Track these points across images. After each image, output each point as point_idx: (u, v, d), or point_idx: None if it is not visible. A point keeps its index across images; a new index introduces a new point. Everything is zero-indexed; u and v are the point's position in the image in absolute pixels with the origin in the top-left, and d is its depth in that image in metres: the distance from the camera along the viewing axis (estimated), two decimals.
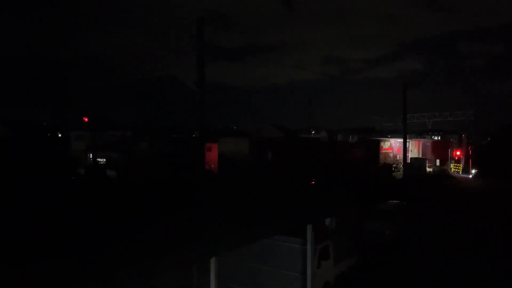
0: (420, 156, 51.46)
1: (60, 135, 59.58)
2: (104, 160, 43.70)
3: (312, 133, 74.93)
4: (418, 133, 70.41)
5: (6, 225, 7.87)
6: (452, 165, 51.77)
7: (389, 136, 61.65)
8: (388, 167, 45.47)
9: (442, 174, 47.35)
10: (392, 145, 51.26)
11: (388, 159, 49.55)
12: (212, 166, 37.81)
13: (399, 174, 45.12)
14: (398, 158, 48.78)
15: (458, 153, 53.86)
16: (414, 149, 53.63)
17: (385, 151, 49.83)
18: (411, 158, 48.16)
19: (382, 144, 49.13)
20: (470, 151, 51.28)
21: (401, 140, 37.60)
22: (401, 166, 39.55)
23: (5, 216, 8.78)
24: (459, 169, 50.94)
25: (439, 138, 63.15)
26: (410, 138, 53.19)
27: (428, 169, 49.10)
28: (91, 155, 45.92)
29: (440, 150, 51.19)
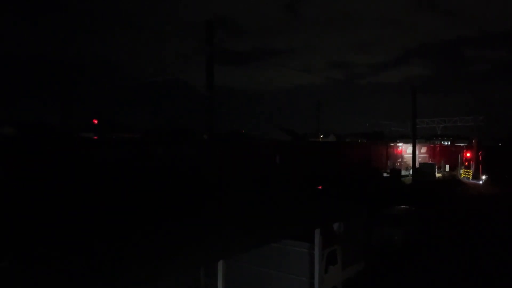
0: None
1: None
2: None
3: (320, 137, 74.75)
4: (428, 138, 69.93)
5: (9, 225, 7.90)
6: (462, 171, 51.19)
7: (398, 141, 61.34)
8: (397, 172, 45.17)
9: (451, 179, 46.89)
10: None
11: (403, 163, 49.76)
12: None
13: (408, 180, 44.81)
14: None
15: (468, 158, 53.24)
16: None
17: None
18: (420, 163, 47.77)
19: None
20: (481, 157, 50.55)
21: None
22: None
23: (9, 216, 8.82)
24: (469, 175, 50.33)
25: (449, 143, 62.54)
26: (419, 143, 52.81)
27: (437, 175, 48.66)
28: None
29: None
